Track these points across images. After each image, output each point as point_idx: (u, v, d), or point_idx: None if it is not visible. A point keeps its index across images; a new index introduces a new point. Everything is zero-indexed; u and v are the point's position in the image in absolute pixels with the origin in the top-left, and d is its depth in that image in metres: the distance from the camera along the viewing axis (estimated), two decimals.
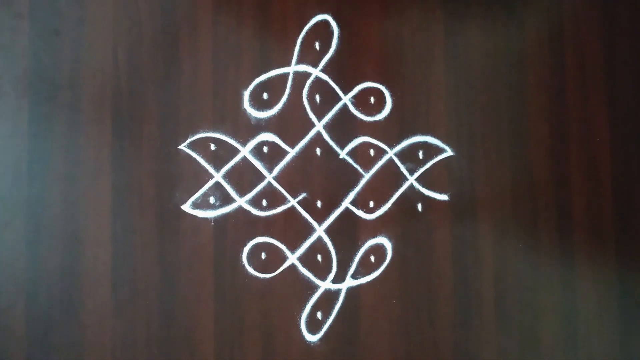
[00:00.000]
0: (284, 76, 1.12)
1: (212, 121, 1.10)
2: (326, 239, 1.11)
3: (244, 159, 1.11)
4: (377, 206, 1.13)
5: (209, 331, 1.08)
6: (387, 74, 1.14)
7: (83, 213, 1.07)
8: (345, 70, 1.13)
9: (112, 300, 1.07)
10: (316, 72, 1.12)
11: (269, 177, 1.11)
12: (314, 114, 1.12)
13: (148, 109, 1.09)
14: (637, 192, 1.18)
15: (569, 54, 1.19)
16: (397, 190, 1.14)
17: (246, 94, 1.11)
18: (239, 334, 1.08)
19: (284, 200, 1.11)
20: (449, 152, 1.16)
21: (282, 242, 1.10)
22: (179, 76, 1.10)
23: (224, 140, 1.10)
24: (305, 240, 1.11)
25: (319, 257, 1.11)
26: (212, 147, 1.10)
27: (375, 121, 1.14)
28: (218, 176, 1.10)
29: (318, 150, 1.12)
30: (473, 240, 1.15)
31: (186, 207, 1.09)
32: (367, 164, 1.14)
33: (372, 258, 1.13)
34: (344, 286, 1.11)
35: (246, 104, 1.11)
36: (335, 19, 1.13)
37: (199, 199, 1.09)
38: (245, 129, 1.11)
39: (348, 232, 1.12)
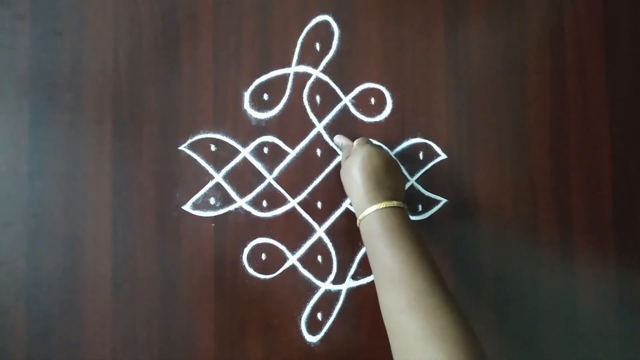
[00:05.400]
0: (285, 77, 1.12)
1: (212, 122, 1.10)
2: (326, 239, 1.11)
3: (244, 159, 1.10)
4: None
5: (209, 331, 1.08)
6: (387, 75, 1.14)
7: (83, 213, 1.07)
8: (345, 71, 1.13)
9: (112, 300, 1.07)
10: (317, 72, 1.12)
11: (270, 178, 1.10)
12: (315, 114, 1.12)
13: (148, 110, 1.09)
14: (637, 192, 1.18)
15: (569, 54, 1.18)
16: None
17: (246, 95, 1.11)
18: (239, 335, 1.08)
19: (284, 201, 1.11)
20: (449, 153, 1.15)
21: (282, 243, 1.10)
22: (179, 77, 1.10)
23: (224, 141, 1.10)
24: (305, 241, 1.11)
25: (319, 258, 1.11)
26: (213, 147, 1.10)
27: (375, 122, 1.13)
28: (218, 177, 1.10)
29: (318, 151, 1.12)
30: (473, 241, 1.14)
31: (186, 208, 1.09)
32: None
33: None
34: (344, 287, 1.11)
35: (246, 105, 1.11)
36: (335, 19, 1.13)
37: (199, 199, 1.09)
38: (246, 130, 1.11)
39: (348, 233, 1.11)
